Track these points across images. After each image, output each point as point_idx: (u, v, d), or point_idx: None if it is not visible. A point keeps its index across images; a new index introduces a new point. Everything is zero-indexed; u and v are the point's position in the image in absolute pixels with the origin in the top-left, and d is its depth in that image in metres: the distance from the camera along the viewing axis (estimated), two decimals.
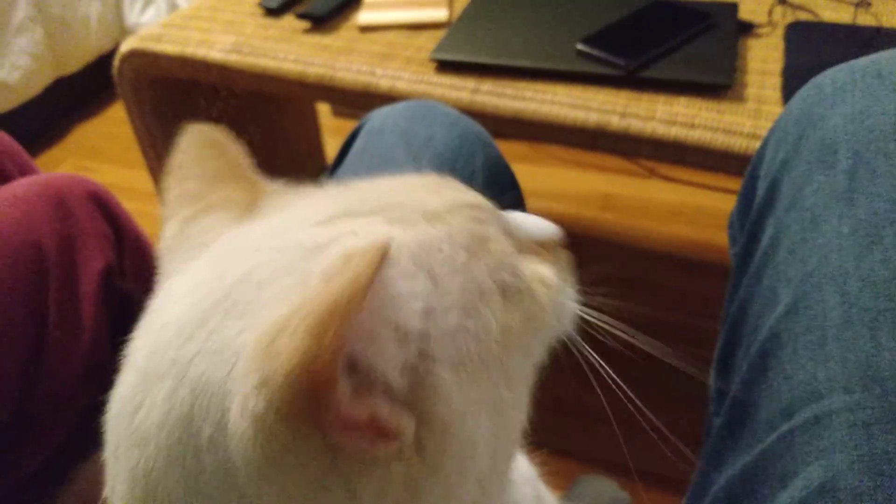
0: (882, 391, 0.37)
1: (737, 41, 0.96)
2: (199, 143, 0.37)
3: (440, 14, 1.10)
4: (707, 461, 0.50)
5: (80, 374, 0.68)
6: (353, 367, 0.25)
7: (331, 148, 1.80)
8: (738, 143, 0.82)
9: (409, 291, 0.27)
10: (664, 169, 1.60)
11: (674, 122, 0.85)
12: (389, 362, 0.26)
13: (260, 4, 1.17)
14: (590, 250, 1.44)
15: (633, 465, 1.08)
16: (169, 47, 1.11)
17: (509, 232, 0.35)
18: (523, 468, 0.43)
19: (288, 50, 1.05)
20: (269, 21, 1.14)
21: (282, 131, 1.60)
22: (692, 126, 0.84)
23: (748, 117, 0.84)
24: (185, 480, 0.26)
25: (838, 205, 0.45)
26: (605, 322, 0.36)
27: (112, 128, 2.07)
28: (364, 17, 1.11)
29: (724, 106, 0.86)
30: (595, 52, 0.92)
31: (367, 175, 0.36)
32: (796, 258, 0.46)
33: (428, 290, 0.28)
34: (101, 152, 1.96)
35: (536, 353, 0.34)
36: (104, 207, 0.72)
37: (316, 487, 0.25)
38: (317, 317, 0.22)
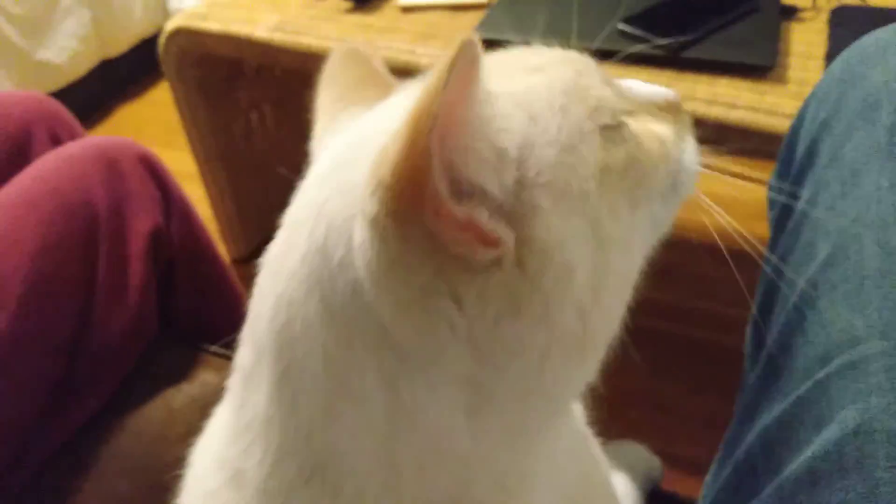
0: None
1: (779, 24, 0.95)
2: (344, 56, 0.43)
3: None
4: (741, 415, 0.50)
5: (127, 333, 0.70)
6: (453, 178, 0.27)
7: None
8: (780, 125, 0.81)
9: (508, 126, 0.30)
10: None
11: (715, 103, 0.84)
12: (487, 178, 0.29)
13: None
14: None
15: (658, 448, 1.08)
16: (214, 25, 1.13)
17: (620, 93, 0.38)
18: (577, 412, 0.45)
19: (330, 29, 1.07)
20: (313, 0, 1.16)
21: None
22: (734, 106, 0.84)
23: (790, 99, 0.84)
24: (322, 305, 0.30)
25: (878, 159, 0.44)
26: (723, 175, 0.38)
27: (154, 110, 2.10)
28: None
29: (766, 87, 0.86)
30: (637, 31, 0.92)
31: None
32: (835, 211, 0.46)
33: (526, 126, 0.30)
34: (143, 133, 2.00)
35: (648, 207, 0.36)
36: (153, 171, 0.74)
37: (425, 293, 0.28)
38: (414, 113, 0.25)
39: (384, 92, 0.39)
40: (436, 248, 0.28)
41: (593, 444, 0.48)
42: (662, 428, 1.14)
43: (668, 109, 0.40)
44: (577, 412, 0.44)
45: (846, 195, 0.45)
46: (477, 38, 0.25)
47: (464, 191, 0.28)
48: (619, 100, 0.37)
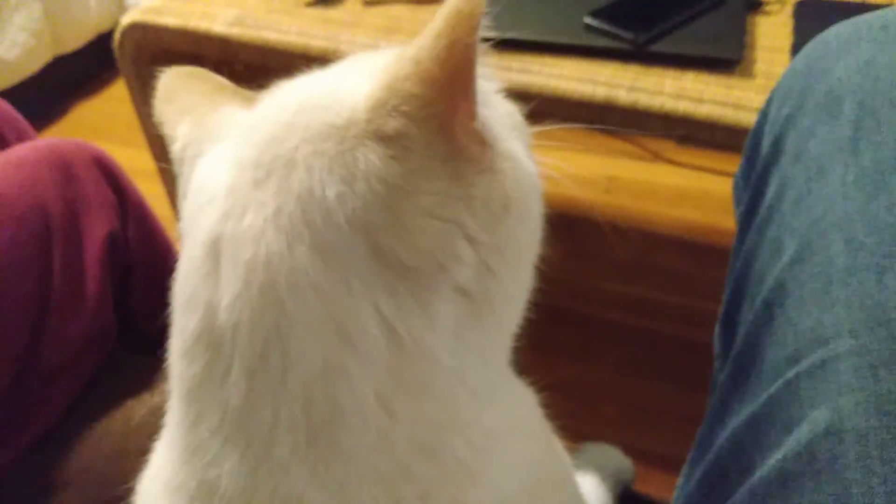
0: (888, 333, 0.37)
1: (745, 17, 0.95)
2: (183, 74, 0.41)
3: None
4: (711, 416, 0.50)
5: (84, 340, 0.68)
6: None
7: None
8: (747, 118, 0.81)
9: None
10: (669, 152, 1.60)
11: (682, 97, 0.84)
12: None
13: None
14: (593, 233, 1.44)
15: (634, 444, 1.09)
16: (170, 20, 1.10)
17: None
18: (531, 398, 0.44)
19: (291, 23, 1.04)
20: None
21: None
22: (701, 101, 0.83)
23: (757, 92, 0.84)
24: (314, 249, 0.31)
25: (843, 154, 0.44)
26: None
27: (112, 107, 2.05)
28: None
29: (734, 81, 0.86)
30: (603, 25, 0.91)
31: None
32: (801, 208, 0.46)
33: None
34: (100, 131, 1.95)
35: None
36: (108, 174, 0.71)
37: (444, 198, 0.32)
38: (452, 18, 0.30)
39: (246, 99, 0.39)
40: (452, 154, 0.32)
41: (555, 440, 0.47)
42: (635, 424, 1.15)
43: None
44: (534, 400, 0.44)
45: (812, 191, 0.45)
46: None
47: None
48: None
